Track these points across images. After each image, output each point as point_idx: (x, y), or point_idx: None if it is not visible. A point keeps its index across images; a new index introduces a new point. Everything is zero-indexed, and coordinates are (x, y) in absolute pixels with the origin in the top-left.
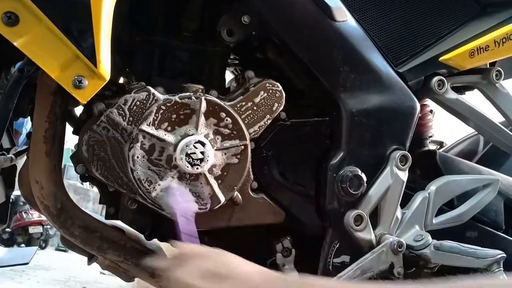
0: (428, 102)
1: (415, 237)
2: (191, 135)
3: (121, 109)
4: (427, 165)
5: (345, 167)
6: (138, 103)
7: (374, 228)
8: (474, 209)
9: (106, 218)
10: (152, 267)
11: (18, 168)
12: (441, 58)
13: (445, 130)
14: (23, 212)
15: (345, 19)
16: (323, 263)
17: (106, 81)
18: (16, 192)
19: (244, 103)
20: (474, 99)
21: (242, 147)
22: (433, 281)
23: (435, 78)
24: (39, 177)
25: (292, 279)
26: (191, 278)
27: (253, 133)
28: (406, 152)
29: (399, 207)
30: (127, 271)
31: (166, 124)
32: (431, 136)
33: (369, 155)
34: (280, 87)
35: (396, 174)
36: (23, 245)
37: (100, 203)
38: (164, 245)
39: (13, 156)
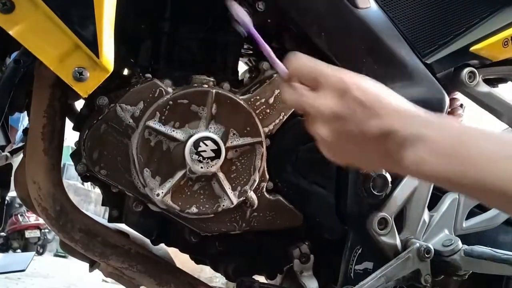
0: (458, 95)
1: (444, 242)
2: (201, 131)
3: (125, 104)
4: None
5: None
6: (144, 97)
7: (399, 232)
8: None
9: (109, 221)
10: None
11: (14, 167)
12: (472, 48)
13: (476, 125)
14: (19, 215)
15: (368, 5)
16: (344, 270)
17: (109, 73)
18: (12, 193)
19: (258, 97)
20: (508, 92)
21: (257, 144)
22: None
23: (466, 70)
24: (36, 176)
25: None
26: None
27: (268, 130)
28: None
29: (426, 209)
30: (132, 278)
31: (174, 119)
32: None
33: None
34: None
35: None
36: (19, 250)
37: (102, 205)
38: (171, 250)
39: (8, 154)
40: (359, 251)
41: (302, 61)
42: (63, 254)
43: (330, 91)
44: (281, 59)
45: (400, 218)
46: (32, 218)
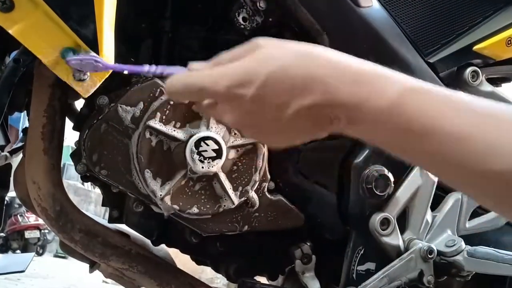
0: None
1: (447, 243)
2: (202, 131)
3: (125, 103)
4: None
5: (371, 166)
6: (144, 96)
7: (402, 232)
8: None
9: (110, 221)
10: None
11: (14, 167)
12: (475, 47)
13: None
14: (18, 215)
15: (370, 4)
16: (346, 271)
17: (110, 73)
18: (11, 193)
19: None
20: (511, 91)
21: (258, 144)
22: None
23: (469, 69)
24: (36, 176)
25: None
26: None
27: None
28: None
29: (429, 209)
30: (132, 279)
31: (174, 119)
32: None
33: None
34: None
35: (426, 173)
36: (18, 251)
37: (102, 205)
38: (172, 251)
39: (7, 154)
40: (361, 252)
41: (173, 82)
42: (63, 255)
43: (223, 104)
44: None
45: (403, 219)
46: (31, 219)
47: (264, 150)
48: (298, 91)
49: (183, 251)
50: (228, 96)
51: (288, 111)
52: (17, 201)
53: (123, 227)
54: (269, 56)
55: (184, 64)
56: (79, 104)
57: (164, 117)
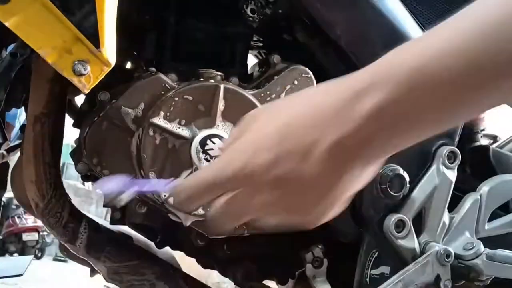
0: None
1: (465, 246)
2: (208, 128)
3: (128, 99)
4: (478, 163)
5: (385, 166)
6: (147, 92)
7: (418, 235)
8: None
9: (111, 223)
10: None
11: (11, 167)
12: None
13: (499, 122)
14: (16, 217)
15: None
16: (359, 275)
17: (111, 67)
18: (8, 193)
19: (269, 92)
20: None
21: None
22: None
23: None
24: (34, 176)
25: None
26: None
27: None
28: (455, 148)
29: (446, 211)
30: (135, 283)
31: (179, 116)
32: (483, 130)
33: (412, 151)
34: (311, 74)
35: (443, 173)
36: (16, 254)
37: (104, 206)
38: (177, 254)
39: (4, 153)
40: (375, 255)
41: (179, 190)
42: (63, 258)
43: (244, 189)
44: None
45: (419, 220)
46: (30, 220)
47: None
48: (322, 127)
49: (189, 254)
50: (244, 175)
51: (316, 152)
52: (15, 202)
53: (125, 228)
54: (275, 112)
55: (188, 62)
56: (79, 100)
57: (168, 114)
